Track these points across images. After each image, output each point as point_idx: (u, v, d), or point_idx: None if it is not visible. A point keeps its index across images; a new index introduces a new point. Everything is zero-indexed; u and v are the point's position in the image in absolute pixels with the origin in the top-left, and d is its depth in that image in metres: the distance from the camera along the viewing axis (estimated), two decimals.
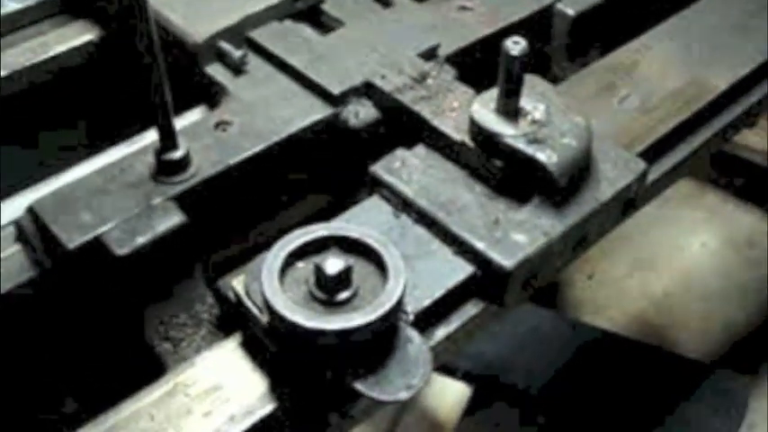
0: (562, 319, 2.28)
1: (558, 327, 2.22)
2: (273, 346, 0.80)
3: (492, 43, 0.91)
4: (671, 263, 2.54)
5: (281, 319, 0.75)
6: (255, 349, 0.83)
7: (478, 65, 1.12)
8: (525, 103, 0.92)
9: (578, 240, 0.94)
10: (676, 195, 2.64)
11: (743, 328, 2.37)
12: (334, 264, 0.76)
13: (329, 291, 0.77)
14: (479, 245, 0.87)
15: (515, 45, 0.86)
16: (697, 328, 2.36)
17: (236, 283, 0.83)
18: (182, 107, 1.09)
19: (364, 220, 0.91)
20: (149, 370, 0.88)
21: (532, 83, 0.95)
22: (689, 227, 2.64)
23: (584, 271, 2.48)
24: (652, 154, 1.06)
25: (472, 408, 2.02)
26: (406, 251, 0.87)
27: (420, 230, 0.90)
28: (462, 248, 0.88)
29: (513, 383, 2.07)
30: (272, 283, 0.77)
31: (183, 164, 0.93)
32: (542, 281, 0.93)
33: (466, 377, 2.03)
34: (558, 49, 1.27)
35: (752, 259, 2.55)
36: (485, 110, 0.92)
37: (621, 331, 2.27)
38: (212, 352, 0.85)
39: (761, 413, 2.15)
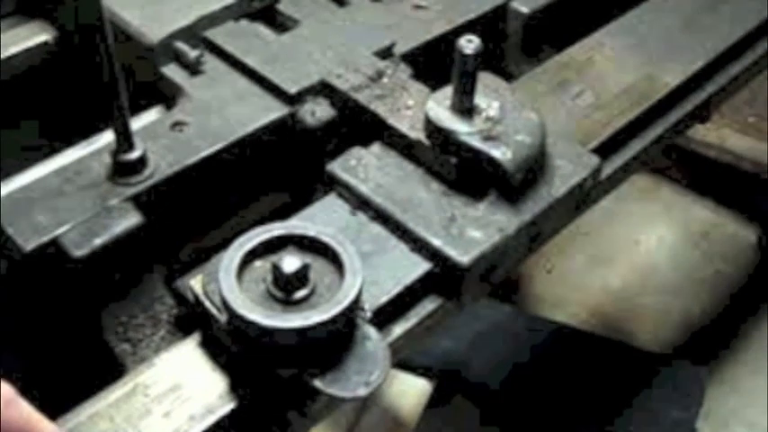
0: (522, 314, 2.29)
1: (517, 322, 2.23)
2: (232, 345, 0.80)
3: (447, 41, 0.92)
4: (628, 257, 2.56)
5: (239, 318, 0.75)
6: (215, 349, 0.83)
7: (434, 63, 1.13)
8: (479, 100, 0.93)
9: (534, 235, 0.95)
10: (633, 190, 2.66)
11: (699, 320, 2.40)
12: (290, 262, 0.76)
13: (286, 289, 0.77)
14: (436, 241, 0.88)
15: (469, 43, 0.87)
16: (655, 321, 2.38)
17: (194, 282, 0.83)
18: (139, 108, 1.10)
19: (321, 218, 0.91)
20: (108, 371, 0.88)
21: (486, 80, 0.96)
22: (646, 221, 2.66)
23: (543, 266, 2.49)
24: (606, 149, 1.07)
25: (433, 403, 2.03)
26: (363, 249, 0.88)
27: (377, 228, 0.91)
28: (419, 245, 0.88)
29: (473, 379, 2.08)
30: (229, 282, 0.77)
31: (140, 164, 0.93)
32: (499, 276, 0.94)
33: (426, 373, 2.04)
34: (513, 47, 1.28)
35: (707, 252, 2.58)
36: (439, 108, 0.93)
37: (581, 325, 2.29)
38: (172, 352, 0.85)
39: (717, 401, 2.17)
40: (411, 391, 1.99)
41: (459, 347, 2.10)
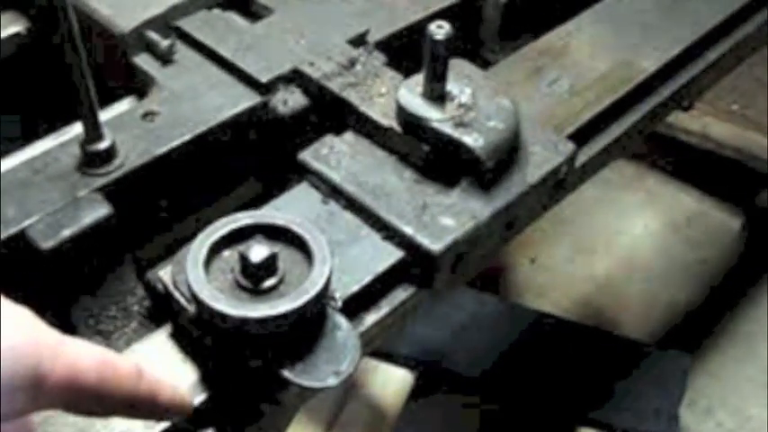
0: (505, 303, 2.29)
1: (500, 311, 2.22)
2: (202, 336, 0.80)
3: (423, 28, 0.91)
4: (613, 245, 2.57)
5: (207, 308, 0.75)
6: (185, 340, 0.83)
7: (409, 50, 1.12)
8: (452, 87, 0.92)
9: (508, 223, 0.94)
10: (617, 178, 2.66)
11: (684, 308, 2.40)
12: (258, 251, 0.76)
13: (254, 278, 0.76)
14: (407, 229, 0.87)
15: (439, 29, 0.86)
16: (639, 310, 2.38)
17: (164, 273, 0.83)
18: (111, 98, 1.09)
19: (293, 207, 0.90)
20: None
21: (459, 67, 0.96)
22: (630, 209, 2.66)
23: (527, 255, 2.49)
24: (582, 136, 1.06)
25: (415, 394, 2.03)
26: (334, 237, 0.87)
27: (349, 216, 0.90)
28: (391, 233, 0.88)
29: (456, 369, 2.08)
30: (197, 272, 0.77)
31: (109, 155, 0.91)
32: (473, 265, 0.93)
33: (408, 364, 2.03)
34: (490, 34, 1.27)
35: (692, 240, 2.58)
36: (411, 95, 0.92)
37: (565, 314, 2.28)
38: (142, 344, 0.84)
39: (701, 389, 2.18)
40: (393, 381, 1.99)
41: (442, 338, 2.09)
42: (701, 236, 2.58)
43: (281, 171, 1.01)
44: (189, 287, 0.77)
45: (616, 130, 1.11)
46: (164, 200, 0.97)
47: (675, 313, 2.38)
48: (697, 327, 2.35)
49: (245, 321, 0.74)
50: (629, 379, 2.06)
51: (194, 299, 0.76)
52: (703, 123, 2.63)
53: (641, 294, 2.43)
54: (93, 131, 0.90)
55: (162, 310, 0.87)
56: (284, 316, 0.74)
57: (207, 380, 0.80)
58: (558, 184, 0.99)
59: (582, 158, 1.06)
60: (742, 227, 2.58)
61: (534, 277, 2.44)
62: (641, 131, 1.16)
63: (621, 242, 2.57)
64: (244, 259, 0.76)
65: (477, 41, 1.28)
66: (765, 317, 2.37)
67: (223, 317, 0.74)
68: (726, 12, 1.28)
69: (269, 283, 0.77)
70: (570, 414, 2.04)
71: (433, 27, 0.86)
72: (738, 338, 2.32)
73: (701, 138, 2.62)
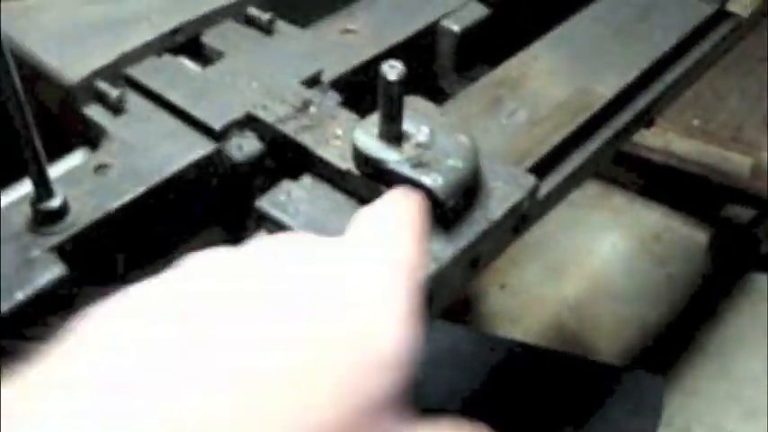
0: (475, 333, 2.27)
1: (474, 342, 2.20)
2: None
3: (377, 64, 0.89)
4: (582, 266, 2.56)
5: None
6: None
7: (365, 88, 1.10)
8: (408, 125, 0.90)
9: (471, 261, 0.92)
10: (583, 198, 2.66)
11: (656, 326, 2.40)
12: None
13: None
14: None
15: (392, 69, 0.84)
16: (611, 330, 2.38)
17: None
18: (64, 151, 1.06)
19: None
20: None
21: (414, 104, 0.94)
22: (597, 229, 2.66)
23: (496, 281, 2.48)
24: (543, 168, 1.05)
25: None
26: None
27: None
28: None
29: (430, 405, 2.05)
30: None
31: (61, 212, 0.89)
32: (438, 304, 0.91)
33: None
34: (446, 66, 1.26)
35: (660, 256, 2.59)
36: (367, 136, 0.90)
37: (537, 339, 2.28)
38: None
39: (677, 407, 2.17)
40: None
41: (416, 373, 2.08)
42: (669, 252, 2.58)
43: (238, 219, 0.99)
44: None
45: (577, 159, 1.10)
46: (120, 255, 0.95)
47: (648, 331, 2.38)
48: (669, 344, 2.34)
49: None
50: (605, 404, 2.05)
51: None
52: (666, 140, 2.64)
53: (612, 314, 2.42)
54: (43, 189, 0.88)
55: None
56: None
57: None
58: (522, 218, 0.98)
59: (544, 190, 1.04)
60: (709, 241, 2.58)
61: (504, 303, 2.43)
62: (603, 157, 1.15)
63: (590, 263, 2.57)
64: None
65: (432, 73, 1.27)
66: (736, 331, 2.37)
67: None
68: (681, 32, 1.29)
69: None
70: None
71: (385, 67, 0.84)
72: (711, 354, 2.32)
73: (664, 154, 2.63)
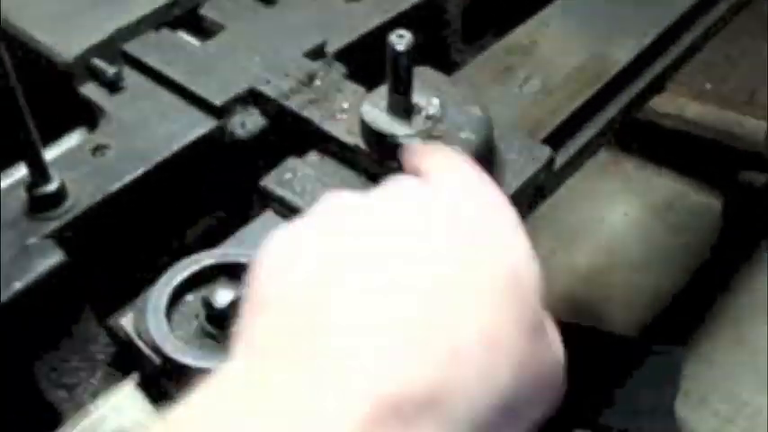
0: None
1: None
2: (170, 387, 0.74)
3: (383, 34, 0.85)
4: (594, 236, 2.52)
5: (171, 361, 0.70)
6: (154, 390, 0.77)
7: (371, 59, 1.06)
8: (418, 98, 0.86)
9: None
10: (593, 166, 2.61)
11: (670, 295, 2.36)
12: (222, 296, 0.71)
13: (221, 325, 0.71)
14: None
15: (400, 39, 0.80)
16: (624, 300, 2.34)
17: (125, 321, 0.77)
18: (61, 132, 1.03)
19: (257, 239, 0.84)
20: (43, 422, 0.81)
21: (424, 75, 0.90)
22: (608, 197, 2.62)
23: None
24: (558, 138, 1.02)
25: None
26: None
27: None
28: None
29: None
30: (158, 322, 0.72)
31: (59, 197, 0.86)
32: None
33: None
34: (454, 35, 1.22)
35: (674, 224, 2.55)
36: (375, 110, 0.86)
37: (549, 311, 2.24)
38: (108, 397, 0.78)
39: (694, 378, 2.14)
40: None
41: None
42: (683, 220, 2.54)
43: (243, 199, 0.95)
44: (150, 337, 0.71)
45: (593, 128, 1.07)
46: (121, 240, 0.92)
47: (663, 300, 2.34)
48: (684, 314, 2.31)
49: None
50: (622, 377, 2.02)
51: (156, 351, 0.71)
52: (677, 104, 2.59)
53: (625, 284, 2.38)
54: (39, 173, 0.84)
55: (128, 356, 0.81)
56: None
57: None
58: (538, 191, 0.94)
59: (560, 161, 1.01)
60: (723, 208, 2.54)
61: None
62: (620, 125, 1.12)
63: (601, 231, 2.53)
64: (208, 305, 0.71)
65: (442, 44, 1.23)
66: (752, 299, 2.33)
67: (189, 370, 0.69)
68: None
69: None
70: (565, 417, 1.99)
71: (393, 37, 0.80)
72: (727, 323, 2.28)
73: (675, 119, 2.59)
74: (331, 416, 0.43)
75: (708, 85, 2.67)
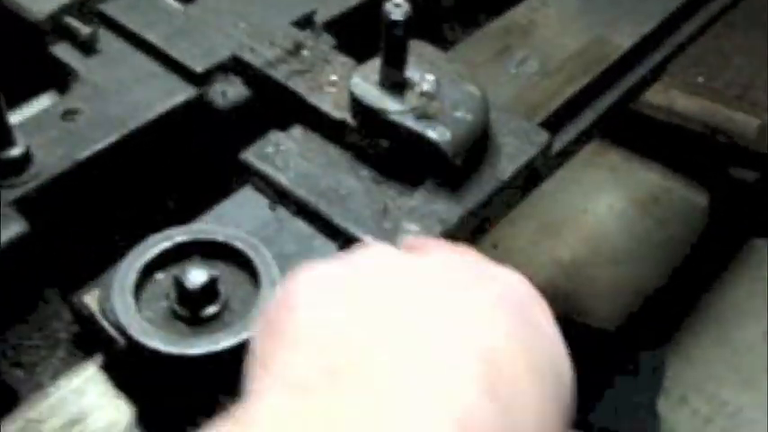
0: None
1: None
2: (136, 370, 0.70)
3: (376, 6, 0.81)
4: (577, 227, 2.49)
5: (137, 344, 0.65)
6: (119, 372, 0.73)
7: (362, 31, 1.02)
8: (412, 73, 0.82)
9: (479, 223, 0.84)
10: (579, 156, 2.58)
11: (653, 290, 2.33)
12: (196, 276, 0.66)
13: (193, 307, 0.67)
14: (367, 237, 0.77)
15: (396, 8, 0.76)
16: (608, 292, 2.31)
17: (90, 299, 0.73)
18: (30, 94, 0.98)
19: (236, 215, 0.80)
20: (1, 403, 0.77)
21: (419, 50, 0.85)
22: (594, 188, 2.58)
23: (489, 241, 2.40)
24: (556, 122, 0.98)
25: None
26: (284, 250, 0.77)
27: (300, 224, 0.80)
28: (348, 243, 0.77)
29: None
30: (125, 301, 0.67)
31: (23, 162, 0.81)
32: None
33: None
34: (449, 10, 1.17)
35: (658, 217, 2.52)
36: (366, 83, 0.82)
37: None
38: (69, 379, 0.74)
39: (675, 376, 2.12)
40: None
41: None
42: (668, 214, 2.51)
43: (221, 173, 0.90)
44: (116, 318, 0.67)
45: (592, 113, 1.03)
46: (89, 212, 0.87)
47: (646, 294, 2.31)
48: (666, 310, 2.28)
49: (182, 359, 0.64)
50: (604, 374, 2.00)
51: (122, 333, 0.66)
52: (668, 97, 2.55)
53: (609, 277, 2.35)
54: (2, 137, 0.79)
55: (91, 336, 0.77)
56: (227, 352, 0.64)
57: (144, 417, 0.71)
58: (533, 177, 0.90)
59: (557, 146, 0.97)
60: (710, 203, 2.51)
61: (498, 263, 2.36)
62: (618, 112, 1.08)
63: (586, 223, 2.50)
64: (180, 285, 0.66)
65: (436, 20, 1.18)
66: (736, 298, 2.31)
67: (156, 354, 0.64)
68: None
69: (210, 310, 0.67)
70: None
71: (389, 5, 0.76)
72: (709, 321, 2.26)
73: (665, 112, 2.55)
74: None
75: (700, 79, 2.64)
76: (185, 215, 0.80)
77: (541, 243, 2.41)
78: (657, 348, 2.09)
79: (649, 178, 2.60)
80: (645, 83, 1.11)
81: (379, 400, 0.46)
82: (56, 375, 0.79)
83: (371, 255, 0.59)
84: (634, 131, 2.58)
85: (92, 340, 0.76)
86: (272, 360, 0.51)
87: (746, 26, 2.66)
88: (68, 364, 0.80)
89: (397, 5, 0.76)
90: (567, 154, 1.02)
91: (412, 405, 0.46)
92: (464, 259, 0.61)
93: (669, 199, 2.55)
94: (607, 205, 2.54)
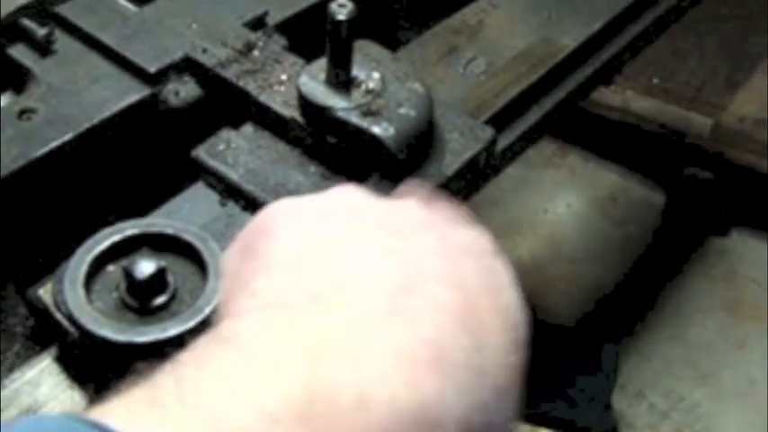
0: None
1: None
2: (89, 361, 0.71)
3: (326, 8, 0.83)
4: (537, 226, 2.51)
5: (88, 333, 0.66)
6: (72, 363, 0.74)
7: (313, 32, 1.03)
8: (358, 71, 0.84)
9: None
10: (538, 157, 2.61)
11: (611, 288, 2.36)
12: (144, 267, 0.67)
13: (142, 297, 0.68)
14: None
15: (341, 8, 0.78)
16: (566, 291, 2.34)
17: (44, 292, 0.74)
18: None
19: (187, 210, 0.82)
20: None
21: (366, 49, 0.87)
22: (553, 188, 2.61)
23: None
24: (501, 120, 1.00)
25: None
26: None
27: (249, 219, 0.81)
28: None
29: None
30: (76, 293, 0.68)
31: None
32: None
33: None
34: (401, 12, 1.19)
35: (616, 217, 2.55)
36: (313, 82, 0.84)
37: None
38: (23, 370, 0.75)
39: (631, 371, 2.14)
40: None
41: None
42: (625, 213, 2.54)
43: (175, 170, 0.92)
44: (68, 309, 0.68)
45: (538, 112, 1.05)
46: (44, 209, 0.88)
47: (603, 293, 2.34)
48: (624, 307, 2.31)
49: (131, 347, 0.66)
50: (560, 367, 2.02)
51: (73, 323, 0.68)
52: (624, 98, 2.58)
53: (567, 275, 2.38)
54: None
55: (46, 329, 0.78)
56: (175, 339, 0.65)
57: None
58: (478, 174, 0.92)
59: (502, 143, 0.99)
60: (666, 203, 2.54)
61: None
62: (564, 112, 1.10)
63: (545, 222, 2.52)
64: (129, 275, 0.68)
65: (389, 21, 1.20)
66: (692, 295, 2.34)
67: (106, 343, 0.66)
68: None
69: (159, 300, 0.69)
70: None
71: (334, 6, 0.78)
72: (665, 317, 2.29)
73: (622, 112, 2.58)
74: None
75: (655, 80, 2.67)
76: (139, 212, 0.81)
77: (502, 242, 2.43)
78: (614, 344, 2.11)
79: (607, 178, 2.63)
80: (591, 83, 1.13)
81: (364, 325, 0.48)
82: (11, 368, 0.79)
83: (343, 192, 0.62)
84: (592, 132, 2.61)
85: (47, 333, 0.77)
86: (252, 282, 0.52)
87: (700, 28, 2.70)
88: (23, 358, 0.81)
89: (342, 6, 0.78)
90: (513, 152, 1.04)
91: (391, 330, 0.48)
92: (434, 207, 0.63)
93: (626, 198, 2.58)
94: (566, 205, 2.57)
